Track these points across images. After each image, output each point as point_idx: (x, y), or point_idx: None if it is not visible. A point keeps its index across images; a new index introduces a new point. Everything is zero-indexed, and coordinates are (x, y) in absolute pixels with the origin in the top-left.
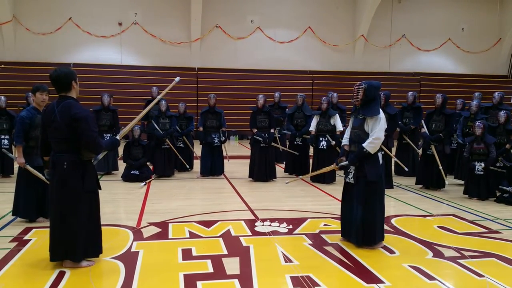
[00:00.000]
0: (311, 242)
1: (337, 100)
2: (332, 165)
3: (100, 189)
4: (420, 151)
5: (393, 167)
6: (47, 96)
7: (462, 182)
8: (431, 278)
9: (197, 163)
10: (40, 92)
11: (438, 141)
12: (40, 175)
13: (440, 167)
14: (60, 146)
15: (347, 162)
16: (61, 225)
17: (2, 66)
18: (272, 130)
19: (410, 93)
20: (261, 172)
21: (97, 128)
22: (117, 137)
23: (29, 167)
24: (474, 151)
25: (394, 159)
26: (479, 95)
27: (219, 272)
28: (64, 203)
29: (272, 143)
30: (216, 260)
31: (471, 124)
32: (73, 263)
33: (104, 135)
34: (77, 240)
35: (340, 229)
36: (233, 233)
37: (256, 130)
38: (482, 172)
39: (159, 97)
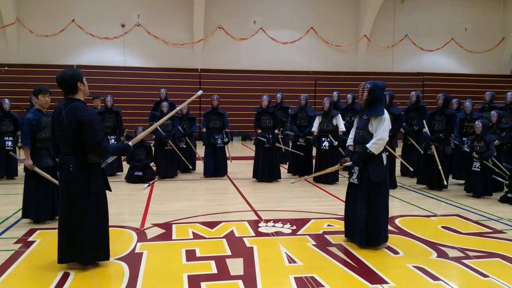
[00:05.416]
0: (314, 243)
1: (338, 99)
2: (336, 166)
3: (110, 190)
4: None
5: (397, 168)
6: (49, 98)
7: (461, 182)
8: (435, 278)
9: (199, 164)
10: (42, 94)
11: (438, 141)
12: (48, 177)
13: (440, 167)
14: (67, 148)
15: (351, 162)
16: (68, 227)
17: (6, 68)
18: (276, 131)
19: (413, 93)
20: (265, 172)
21: (103, 130)
22: (130, 143)
23: (37, 169)
24: (474, 149)
25: (399, 159)
26: (489, 95)
27: (223, 273)
28: (71, 205)
29: (276, 144)
30: (220, 261)
31: (468, 124)
32: (81, 265)
33: (108, 137)
34: (85, 243)
35: (343, 229)
36: (236, 234)
37: (260, 131)
38: (479, 169)
39: (178, 108)
